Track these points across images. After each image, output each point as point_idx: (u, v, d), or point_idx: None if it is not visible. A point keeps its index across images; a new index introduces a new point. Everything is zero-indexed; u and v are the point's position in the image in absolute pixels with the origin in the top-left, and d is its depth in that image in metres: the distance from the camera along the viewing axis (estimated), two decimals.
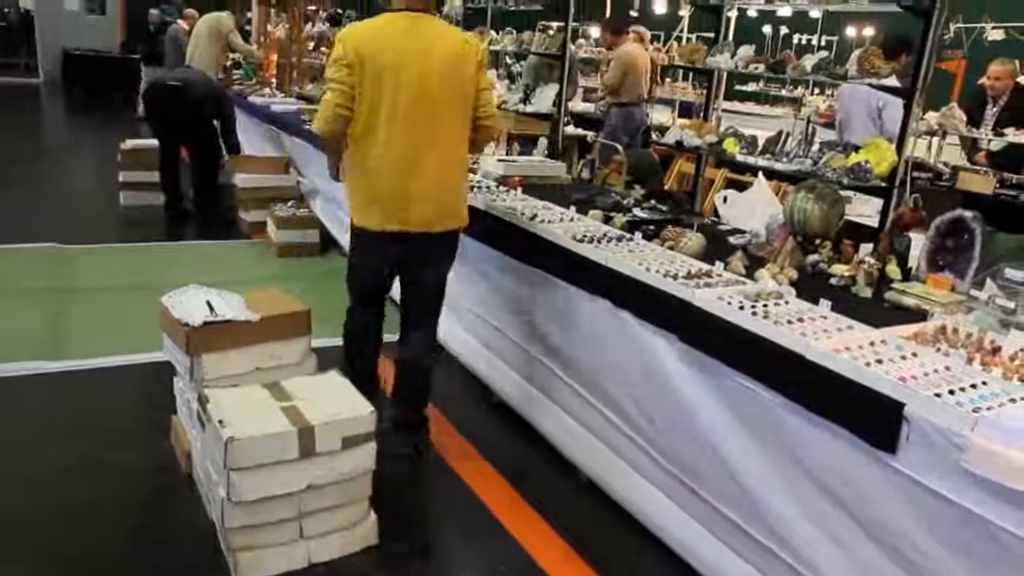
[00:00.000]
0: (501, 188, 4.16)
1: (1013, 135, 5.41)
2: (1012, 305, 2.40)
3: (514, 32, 7.06)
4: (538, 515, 2.95)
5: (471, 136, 3.17)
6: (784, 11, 4.56)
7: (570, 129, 6.86)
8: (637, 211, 3.80)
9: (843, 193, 3.42)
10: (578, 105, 8.34)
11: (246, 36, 10.02)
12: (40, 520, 2.70)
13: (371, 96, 2.92)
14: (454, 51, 3.02)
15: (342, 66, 2.91)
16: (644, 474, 2.88)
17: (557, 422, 3.33)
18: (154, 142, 6.71)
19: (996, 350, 2.20)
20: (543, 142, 5.39)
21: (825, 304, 2.49)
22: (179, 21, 10.83)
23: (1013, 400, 1.91)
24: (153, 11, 12.13)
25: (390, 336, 3.40)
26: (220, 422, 2.41)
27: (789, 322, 2.34)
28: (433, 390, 3.36)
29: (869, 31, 10.51)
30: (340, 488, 2.56)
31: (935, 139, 6.16)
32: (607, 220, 3.59)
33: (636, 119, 7.24)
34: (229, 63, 8.69)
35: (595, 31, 12.46)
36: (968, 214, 2.81)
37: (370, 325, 3.34)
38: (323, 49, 10.63)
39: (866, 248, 3.25)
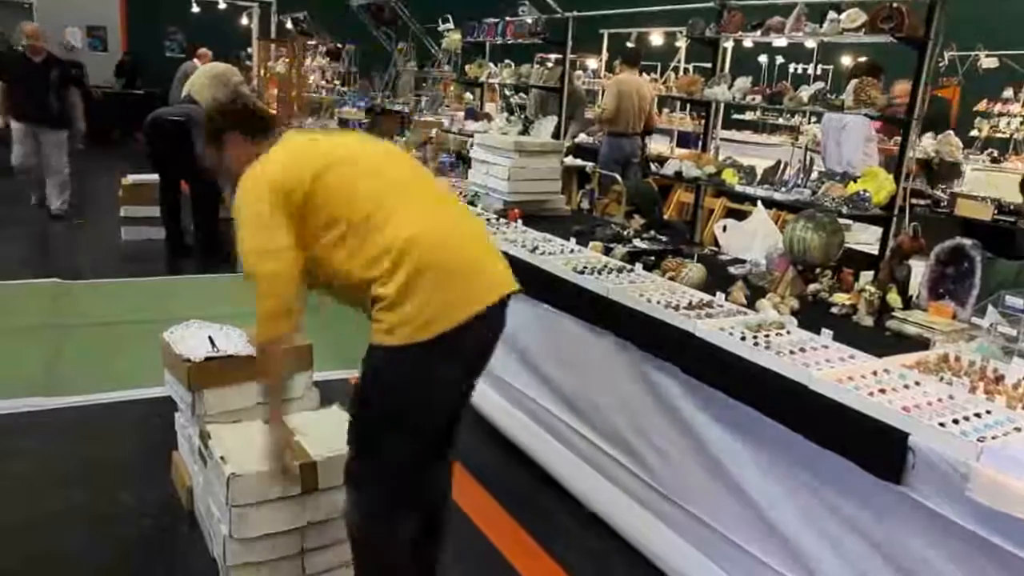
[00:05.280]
0: (501, 220, 4.17)
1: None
2: (1014, 332, 2.39)
3: (512, 65, 7.15)
4: (544, 552, 2.91)
5: None
6: (780, 42, 4.61)
7: (569, 160, 6.90)
8: (637, 242, 3.81)
9: (841, 221, 3.43)
10: (577, 135, 8.40)
11: (246, 72, 10.11)
12: (39, 561, 2.67)
13: None
14: None
15: None
16: (650, 508, 2.86)
17: (560, 456, 3.31)
18: (155, 177, 6.73)
19: (999, 379, 2.20)
20: None
21: (827, 333, 2.49)
22: (194, 60, 10.89)
23: (1018, 429, 1.91)
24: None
25: None
26: (222, 458, 2.40)
27: (791, 352, 2.34)
28: None
29: (864, 60, 10.60)
30: (343, 524, 2.53)
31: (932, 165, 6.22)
32: (607, 251, 3.59)
33: (625, 149, 7.27)
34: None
35: (592, 63, 12.59)
36: (967, 242, 2.82)
37: None
38: (323, 82, 10.74)
39: (866, 276, 3.25)
